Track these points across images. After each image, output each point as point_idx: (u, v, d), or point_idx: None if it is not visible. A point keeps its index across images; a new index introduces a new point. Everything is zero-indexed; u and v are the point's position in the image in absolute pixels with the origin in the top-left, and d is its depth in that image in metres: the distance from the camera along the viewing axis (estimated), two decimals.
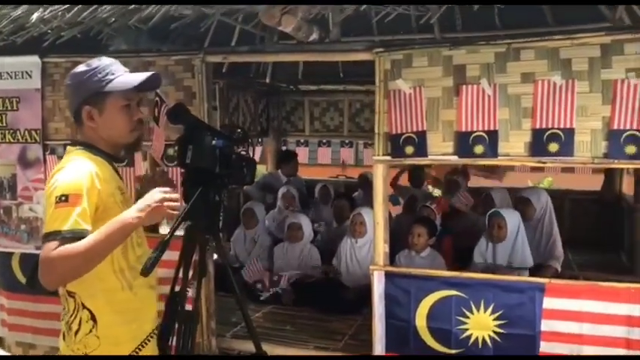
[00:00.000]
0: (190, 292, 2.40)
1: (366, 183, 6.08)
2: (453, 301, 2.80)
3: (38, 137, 3.51)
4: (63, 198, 1.76)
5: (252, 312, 4.11)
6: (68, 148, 2.01)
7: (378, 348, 2.97)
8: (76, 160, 1.90)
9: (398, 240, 4.07)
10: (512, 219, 3.86)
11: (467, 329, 2.79)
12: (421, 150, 2.81)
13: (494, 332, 2.75)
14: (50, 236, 1.73)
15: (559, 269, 4.23)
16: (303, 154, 7.02)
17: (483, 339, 2.77)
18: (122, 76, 1.98)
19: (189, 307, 2.37)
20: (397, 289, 2.90)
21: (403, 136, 2.83)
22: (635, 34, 2.49)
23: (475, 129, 2.71)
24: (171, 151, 3.19)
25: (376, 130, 2.89)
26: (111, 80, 1.94)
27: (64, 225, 1.73)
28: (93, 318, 1.92)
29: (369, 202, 5.49)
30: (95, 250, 1.74)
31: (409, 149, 2.82)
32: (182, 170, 2.33)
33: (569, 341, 2.65)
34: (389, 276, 2.92)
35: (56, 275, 1.75)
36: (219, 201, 2.31)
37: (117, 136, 2.02)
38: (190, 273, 2.34)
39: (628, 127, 2.49)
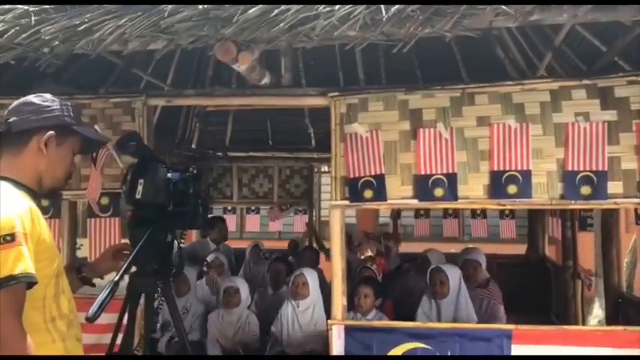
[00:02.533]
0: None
1: (297, 248, 5.93)
2: (418, 354, 2.63)
3: None
4: (8, 238, 1.47)
5: None
6: None
7: None
8: (7, 191, 1.60)
9: None
10: (454, 274, 3.79)
11: None
12: (380, 194, 2.72)
13: None
14: (3, 283, 1.43)
15: None
16: (231, 221, 6.74)
17: None
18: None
19: None
20: (358, 345, 2.69)
21: (361, 180, 2.74)
22: (579, 81, 2.61)
23: (434, 172, 2.68)
24: (105, 200, 2.90)
25: (332, 174, 2.79)
26: (80, 123, 1.79)
27: (17, 268, 1.44)
28: None
29: (306, 265, 5.38)
30: None
31: (368, 193, 2.73)
32: (130, 209, 2.06)
33: None
34: (348, 330, 2.71)
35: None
36: (171, 242, 2.07)
37: (54, 177, 1.77)
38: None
39: (582, 168, 2.55)
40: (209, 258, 5.27)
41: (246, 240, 6.92)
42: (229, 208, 6.85)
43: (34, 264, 1.50)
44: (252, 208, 6.86)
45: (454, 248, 5.09)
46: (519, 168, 2.60)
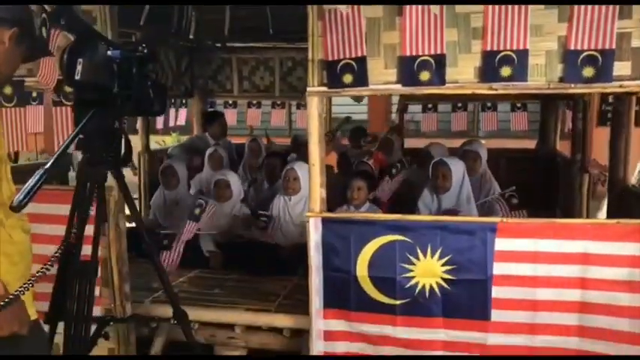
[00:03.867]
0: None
1: (299, 145, 5.77)
2: (396, 246, 2.51)
3: None
4: None
5: (176, 277, 3.71)
6: None
7: (316, 302, 2.66)
8: None
9: (334, 201, 3.80)
10: (458, 168, 3.65)
11: (412, 277, 2.52)
12: (361, 78, 2.48)
13: (443, 279, 2.50)
14: None
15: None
16: (231, 116, 6.56)
17: (431, 287, 2.52)
18: None
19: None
20: (335, 237, 2.59)
21: (341, 63, 2.49)
22: None
23: (420, 53, 2.41)
24: (8, 90, 2.74)
25: (310, 57, 2.54)
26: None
27: None
28: None
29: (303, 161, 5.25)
30: None
31: (347, 78, 2.49)
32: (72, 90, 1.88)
33: (523, 284, 2.44)
34: (326, 223, 2.60)
35: None
36: (119, 128, 1.90)
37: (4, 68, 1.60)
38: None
39: (586, 47, 2.27)
40: (208, 151, 5.18)
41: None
42: (230, 102, 6.62)
43: None
44: (254, 102, 6.62)
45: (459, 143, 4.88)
46: (515, 47, 2.32)
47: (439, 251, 2.48)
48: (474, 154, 4.18)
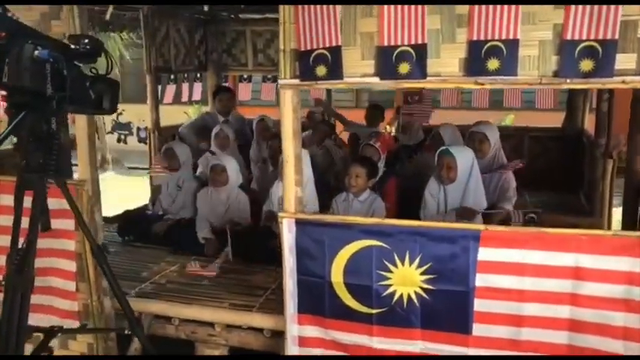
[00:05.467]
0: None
1: (315, 122, 5.59)
2: (373, 252, 2.34)
3: None
4: None
5: (168, 265, 3.66)
6: None
7: (290, 306, 2.53)
8: None
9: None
10: (464, 158, 3.40)
11: (390, 285, 2.35)
12: (335, 70, 2.27)
13: (422, 288, 2.32)
14: None
15: (511, 211, 3.84)
16: (245, 90, 6.40)
17: (409, 296, 2.34)
18: None
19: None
20: (309, 240, 2.43)
21: (314, 54, 2.28)
22: None
23: (400, 43, 2.17)
24: None
25: (281, 47, 2.34)
26: None
27: None
28: None
29: (314, 142, 5.07)
30: None
31: (321, 70, 2.28)
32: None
33: (508, 298, 2.23)
34: (300, 224, 2.44)
35: None
36: (53, 131, 1.77)
37: None
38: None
39: (585, 36, 1.99)
40: (215, 130, 5.04)
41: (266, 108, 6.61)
42: (245, 76, 6.44)
43: None
44: (269, 76, 6.42)
45: (485, 118, 4.60)
46: (504, 37, 2.06)
47: (418, 259, 2.30)
48: (480, 135, 3.93)
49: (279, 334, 2.77)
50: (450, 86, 2.22)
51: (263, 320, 2.83)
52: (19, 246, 1.85)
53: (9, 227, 2.38)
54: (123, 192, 7.33)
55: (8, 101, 1.76)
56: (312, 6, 2.25)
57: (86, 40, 1.88)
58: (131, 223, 4.33)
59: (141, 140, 12.17)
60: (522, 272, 2.20)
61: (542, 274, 2.17)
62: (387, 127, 6.51)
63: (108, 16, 5.45)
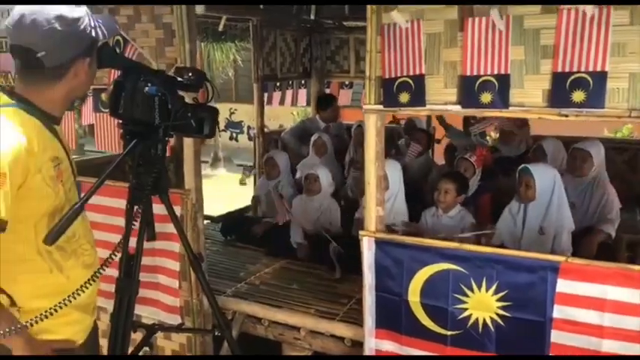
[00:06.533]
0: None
1: (414, 130, 5.60)
2: (450, 275, 2.39)
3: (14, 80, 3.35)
4: None
5: (263, 267, 3.91)
6: None
7: (369, 321, 2.64)
8: (6, 123, 1.55)
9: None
10: (544, 177, 3.29)
11: (466, 309, 2.39)
12: (418, 98, 2.35)
13: (497, 314, 2.34)
14: None
15: (613, 234, 3.66)
16: (346, 96, 6.56)
17: (484, 321, 2.37)
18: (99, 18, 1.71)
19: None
20: (388, 259, 2.53)
21: (397, 81, 2.37)
22: None
23: (482, 73, 2.21)
24: (105, 96, 2.97)
25: (367, 74, 2.45)
26: (100, 25, 1.68)
27: None
28: (13, 304, 1.66)
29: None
30: None
31: (404, 97, 2.37)
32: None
33: (587, 332, 2.19)
34: (380, 244, 2.54)
35: None
36: (158, 156, 2.03)
37: (78, 96, 1.78)
38: None
39: None
40: (313, 138, 5.27)
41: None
42: (346, 83, 6.61)
43: (11, 204, 1.48)
44: None
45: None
46: (591, 69, 2.02)
47: (495, 285, 2.32)
48: (584, 154, 3.77)
49: (359, 344, 2.90)
50: (533, 116, 2.21)
51: (344, 330, 2.97)
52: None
53: (114, 226, 2.76)
54: (232, 189, 7.80)
55: (123, 129, 2.03)
56: (397, 36, 2.33)
57: (190, 73, 2.11)
58: (233, 223, 4.67)
59: (250, 138, 12.78)
60: (602, 308, 2.15)
61: (624, 312, 2.11)
62: (492, 133, 6.37)
63: (221, 27, 5.85)
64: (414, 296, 2.48)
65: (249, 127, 13.16)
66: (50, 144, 1.66)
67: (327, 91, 6.60)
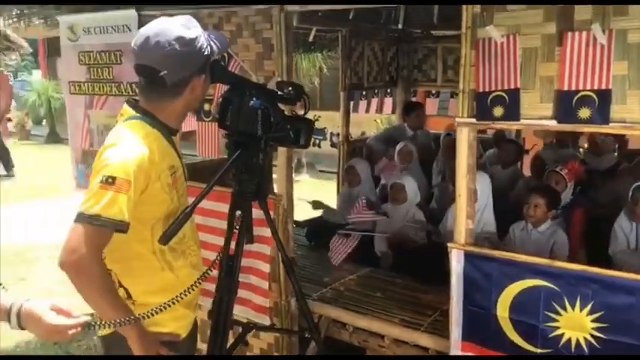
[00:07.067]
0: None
1: (502, 141, 5.50)
2: (541, 292, 2.35)
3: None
4: (110, 180, 1.62)
5: (347, 273, 3.98)
6: (124, 109, 1.86)
7: (455, 334, 2.65)
8: (130, 135, 1.73)
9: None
10: None
11: (557, 327, 2.35)
12: (512, 112, 2.34)
13: (592, 336, 2.27)
14: (89, 218, 1.61)
15: None
16: (433, 105, 6.54)
17: (577, 341, 2.31)
18: (212, 34, 1.87)
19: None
20: (477, 272, 2.53)
21: (491, 95, 2.38)
22: None
23: (581, 88, 2.17)
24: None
25: (461, 87, 2.47)
26: (213, 41, 1.83)
27: (107, 212, 1.61)
28: (129, 297, 1.84)
29: (500, 162, 5.00)
30: (95, 298, 1.67)
31: (498, 110, 2.37)
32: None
33: None
34: (469, 256, 2.55)
35: (72, 267, 1.61)
36: (259, 165, 2.15)
37: (193, 110, 1.95)
38: None
39: None
40: (399, 146, 5.29)
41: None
42: (433, 91, 6.59)
43: (133, 208, 1.65)
44: (457, 92, 6.45)
45: None
46: None
47: (590, 305, 2.26)
48: None
49: (444, 355, 2.90)
50: (635, 133, 2.14)
51: (429, 341, 2.98)
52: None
53: (215, 228, 2.92)
54: (315, 195, 7.93)
55: (228, 139, 2.17)
56: (492, 50, 2.34)
57: (290, 87, 2.23)
58: (318, 229, 4.78)
59: (333, 145, 12.95)
60: None
61: None
62: (585, 145, 6.12)
63: (311, 38, 6.02)
64: (502, 311, 2.46)
65: (332, 134, 13.33)
66: (168, 153, 1.83)
67: (413, 99, 6.60)
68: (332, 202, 5.56)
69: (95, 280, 1.63)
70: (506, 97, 2.34)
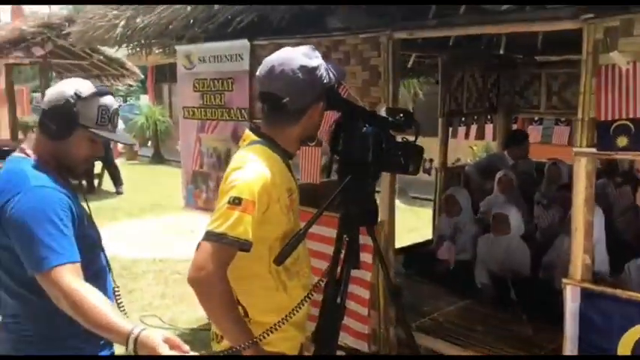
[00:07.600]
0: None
1: (616, 172, 5.20)
2: None
3: (247, 115, 3.78)
4: (237, 200, 1.69)
5: (446, 304, 3.89)
6: (247, 134, 1.94)
7: None
8: (256, 158, 1.81)
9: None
10: None
11: None
12: (638, 142, 2.20)
13: None
14: (216, 236, 1.68)
15: None
16: (536, 133, 6.30)
17: None
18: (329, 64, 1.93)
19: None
20: (595, 311, 2.37)
21: (615, 124, 2.25)
22: None
23: None
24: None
25: (579, 116, 2.36)
26: (331, 71, 1.89)
27: (233, 231, 1.68)
28: (246, 314, 1.88)
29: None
30: (218, 313, 1.75)
31: (622, 140, 2.24)
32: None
33: None
34: (586, 294, 2.40)
35: (199, 283, 1.68)
36: (372, 190, 2.17)
37: (314, 131, 2.02)
38: None
39: None
40: (498, 174, 5.14)
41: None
42: (535, 119, 6.35)
43: (255, 228, 1.71)
44: (562, 119, 6.19)
45: None
46: None
47: None
48: None
49: None
50: None
51: None
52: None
53: (320, 252, 2.95)
54: (407, 222, 7.84)
55: (339, 165, 2.21)
56: (616, 78, 2.23)
57: (401, 114, 2.23)
58: (415, 257, 4.71)
59: (425, 171, 12.77)
60: None
61: None
62: None
63: (410, 64, 6.01)
64: (624, 354, 2.29)
65: (425, 160, 13.15)
66: (286, 176, 1.89)
67: (514, 126, 6.39)
68: (427, 229, 5.48)
69: (219, 296, 1.70)
70: (632, 127, 2.21)
